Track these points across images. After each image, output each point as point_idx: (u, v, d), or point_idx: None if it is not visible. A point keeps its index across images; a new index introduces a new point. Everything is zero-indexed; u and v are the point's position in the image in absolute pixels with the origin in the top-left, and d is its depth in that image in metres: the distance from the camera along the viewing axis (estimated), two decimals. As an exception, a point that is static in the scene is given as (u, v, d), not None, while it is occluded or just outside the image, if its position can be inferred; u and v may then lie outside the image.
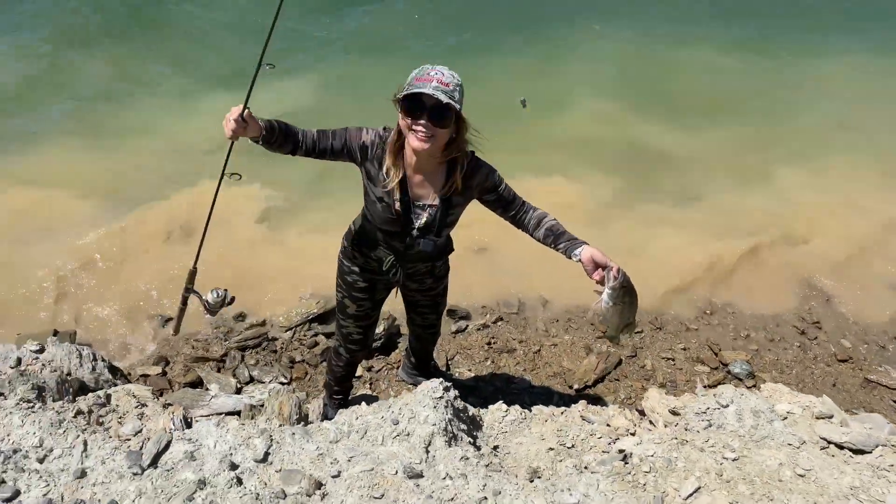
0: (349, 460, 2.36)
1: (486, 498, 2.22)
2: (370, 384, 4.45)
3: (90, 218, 6.09)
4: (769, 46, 10.63)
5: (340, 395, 3.82)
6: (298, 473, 2.28)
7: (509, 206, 2.77)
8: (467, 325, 5.04)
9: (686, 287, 5.61)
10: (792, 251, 6.09)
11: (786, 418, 2.83)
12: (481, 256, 5.72)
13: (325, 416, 3.73)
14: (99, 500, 2.18)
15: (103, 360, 3.87)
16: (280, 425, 2.65)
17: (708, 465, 2.41)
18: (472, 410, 2.97)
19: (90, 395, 3.14)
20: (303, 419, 3.17)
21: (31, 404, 2.72)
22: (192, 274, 2.88)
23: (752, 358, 4.91)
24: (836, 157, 7.69)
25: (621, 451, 2.60)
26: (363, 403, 2.84)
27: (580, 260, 2.55)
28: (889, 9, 12.19)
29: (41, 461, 2.33)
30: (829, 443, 2.70)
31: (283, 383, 4.36)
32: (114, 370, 3.96)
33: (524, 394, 4.42)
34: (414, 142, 2.45)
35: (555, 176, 6.97)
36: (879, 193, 7.03)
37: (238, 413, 3.50)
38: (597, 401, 4.23)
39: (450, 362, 4.71)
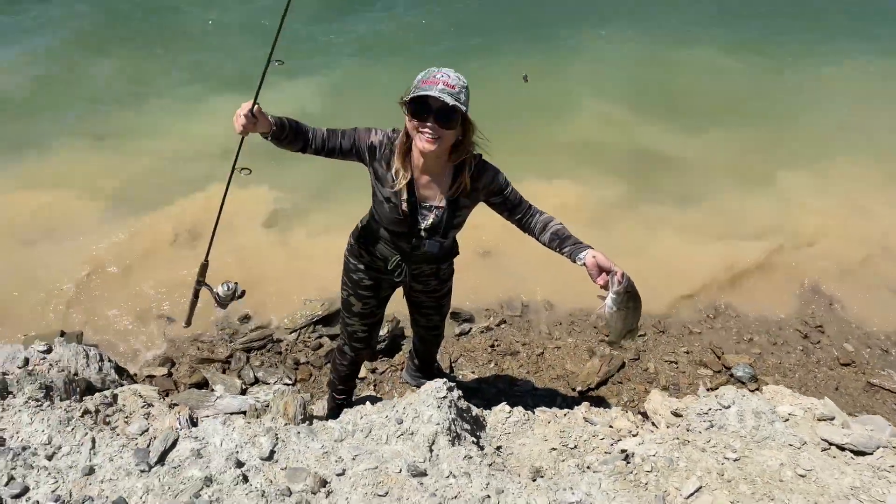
0: (354, 459, 2.39)
1: (489, 496, 2.24)
2: (374, 386, 4.48)
3: (98, 220, 6.15)
4: (772, 49, 10.65)
5: (343, 394, 3.85)
6: (304, 471, 2.30)
7: (515, 210, 2.79)
8: (471, 328, 5.06)
9: (689, 290, 5.62)
10: (795, 254, 6.10)
11: (787, 420, 2.84)
12: (485, 259, 5.74)
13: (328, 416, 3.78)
14: (107, 497, 2.20)
15: (110, 360, 3.90)
16: (285, 424, 2.68)
17: (709, 465, 2.43)
18: (475, 411, 3.00)
19: (97, 394, 3.17)
20: (307, 419, 3.20)
21: (40, 403, 2.75)
22: (204, 267, 2.93)
23: (755, 361, 4.92)
24: (840, 160, 7.70)
25: (623, 450, 2.62)
26: (367, 403, 2.87)
27: (584, 264, 2.58)
28: (892, 10, 12.20)
29: (50, 458, 2.36)
30: (831, 444, 2.71)
31: (287, 384, 4.39)
32: (120, 371, 3.99)
33: (527, 396, 4.44)
34: (421, 143, 2.48)
35: (559, 178, 7.00)
36: (883, 196, 7.04)
37: (243, 413, 3.52)
38: (600, 403, 4.25)
39: (453, 364, 4.74)
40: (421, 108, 2.43)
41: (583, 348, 4.94)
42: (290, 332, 4.90)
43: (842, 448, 2.69)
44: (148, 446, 2.45)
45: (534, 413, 3.40)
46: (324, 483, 2.27)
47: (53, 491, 2.21)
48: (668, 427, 3.07)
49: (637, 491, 2.35)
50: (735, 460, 2.47)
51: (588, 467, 2.60)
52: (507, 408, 3.34)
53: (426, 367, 4.20)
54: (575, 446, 3.01)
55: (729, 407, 2.80)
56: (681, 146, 7.87)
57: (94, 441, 2.44)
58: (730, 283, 5.74)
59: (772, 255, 6.07)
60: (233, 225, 5.68)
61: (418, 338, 3.92)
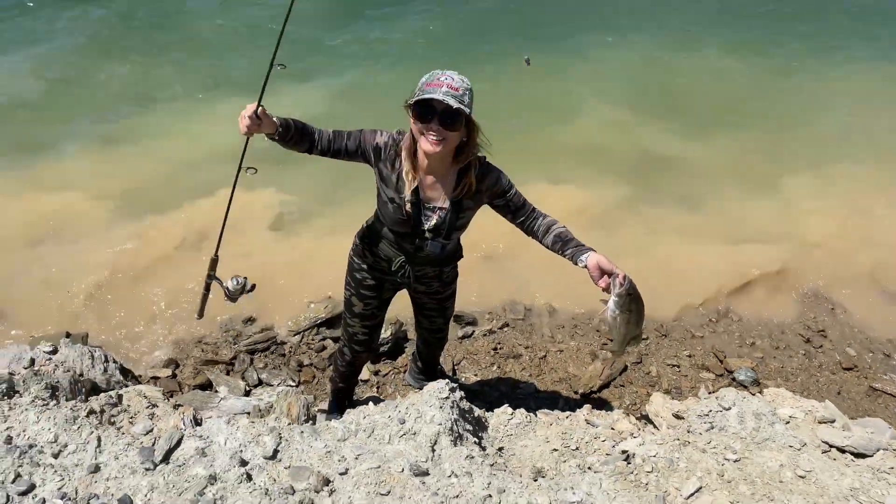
0: (356, 458, 2.41)
1: (490, 496, 2.26)
2: (377, 388, 4.50)
3: (106, 223, 6.21)
4: (775, 51, 10.68)
5: (344, 392, 3.88)
6: (307, 470, 2.32)
7: (518, 212, 2.82)
8: (474, 331, 5.08)
9: (692, 294, 5.64)
10: (797, 258, 6.10)
11: (788, 422, 2.86)
12: (488, 263, 5.76)
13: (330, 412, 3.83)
14: (112, 495, 2.22)
15: (115, 361, 3.92)
16: (289, 424, 2.70)
17: (709, 466, 2.44)
18: (477, 412, 3.01)
19: (102, 395, 3.19)
20: (311, 420, 3.22)
21: (46, 403, 2.78)
22: (214, 262, 2.98)
23: (758, 365, 4.93)
24: (842, 163, 7.71)
25: (624, 451, 2.64)
26: (370, 403, 2.90)
27: (586, 266, 2.60)
28: (893, 11, 12.20)
29: (56, 456, 2.38)
30: (831, 446, 2.72)
31: (291, 386, 4.41)
32: (125, 372, 4.02)
33: (529, 399, 4.45)
34: (425, 145, 2.52)
35: (563, 181, 7.03)
36: (885, 199, 7.04)
37: (247, 414, 3.55)
38: (602, 406, 4.27)
39: (456, 367, 4.76)
40: (425, 110, 2.46)
41: (585, 351, 4.95)
42: (294, 335, 4.93)
43: (842, 450, 2.71)
44: (153, 445, 2.47)
45: (536, 415, 3.42)
46: (327, 482, 2.29)
47: (59, 488, 2.24)
48: (669, 429, 3.08)
49: (637, 491, 2.37)
50: (735, 461, 2.49)
51: (589, 468, 2.61)
52: (510, 410, 3.35)
53: (429, 370, 4.21)
54: (576, 448, 3.02)
55: (729, 409, 2.82)
56: (684, 149, 7.89)
57: (99, 440, 2.47)
58: (732, 286, 5.75)
59: (774, 259, 6.07)
60: (238, 227, 5.71)
61: (422, 340, 3.94)
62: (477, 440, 2.76)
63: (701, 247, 6.18)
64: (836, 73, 9.99)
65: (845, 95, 9.34)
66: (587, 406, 3.62)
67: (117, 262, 5.65)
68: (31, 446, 2.39)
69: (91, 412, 2.83)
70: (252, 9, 10.96)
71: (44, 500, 2.18)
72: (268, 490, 2.22)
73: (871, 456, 2.67)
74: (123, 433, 2.67)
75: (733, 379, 4.76)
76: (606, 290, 2.55)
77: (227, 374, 4.57)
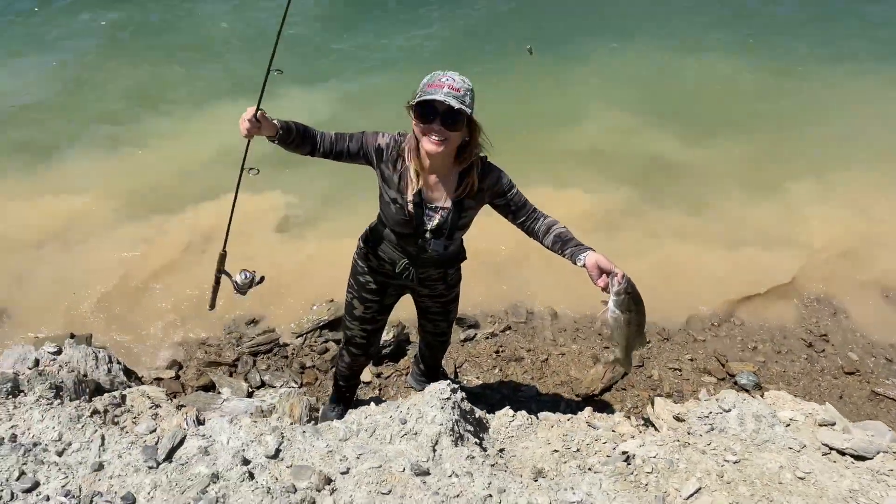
0: (358, 457, 2.42)
1: (490, 495, 2.28)
2: (379, 390, 4.52)
3: (112, 226, 6.26)
4: (782, 58, 10.66)
5: (345, 390, 3.90)
6: (308, 469, 2.34)
7: (519, 212, 2.83)
8: (476, 334, 5.10)
9: (694, 298, 5.64)
10: (800, 263, 6.10)
11: (789, 425, 2.87)
12: (491, 266, 5.78)
13: (330, 409, 3.86)
14: (115, 493, 2.24)
15: (118, 362, 3.94)
16: (291, 423, 2.72)
17: (709, 467, 2.45)
18: (478, 413, 3.03)
19: (106, 395, 3.21)
20: (313, 421, 3.24)
21: (50, 402, 2.80)
22: (222, 257, 3.03)
23: (759, 369, 4.94)
24: (847, 169, 7.70)
25: (624, 452, 2.65)
26: (372, 404, 2.91)
27: (584, 265, 2.60)
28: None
29: (60, 454, 2.40)
30: (831, 449, 2.73)
31: (293, 388, 4.43)
32: (128, 373, 4.04)
33: (531, 401, 4.46)
34: (428, 146, 2.54)
35: (568, 185, 7.05)
36: (890, 205, 7.03)
37: (250, 415, 3.56)
38: (603, 408, 4.28)
39: (458, 370, 4.77)
40: (427, 111, 2.49)
41: (587, 355, 4.97)
42: (297, 337, 4.95)
43: (842, 453, 2.71)
44: (156, 444, 2.49)
45: (537, 417, 3.43)
46: (328, 481, 2.30)
47: (63, 486, 2.25)
48: (669, 430, 3.09)
49: (637, 491, 2.38)
50: (735, 462, 2.50)
51: (589, 468, 2.62)
52: (511, 412, 3.36)
53: (431, 373, 4.23)
54: (577, 449, 3.03)
55: (730, 410, 2.83)
56: (688, 153, 7.91)
57: (103, 438, 2.49)
58: (735, 290, 5.75)
59: (777, 263, 6.08)
60: (243, 230, 5.74)
61: (425, 343, 3.95)
62: (478, 441, 2.77)
63: (704, 251, 6.19)
64: (841, 78, 9.99)
65: (850, 99, 9.34)
66: (588, 409, 3.63)
67: (123, 264, 5.69)
68: (35, 444, 2.41)
69: (95, 412, 2.85)
70: (260, 13, 11.04)
71: (48, 498, 2.20)
72: (270, 489, 2.23)
73: (871, 458, 2.67)
74: (127, 432, 2.68)
75: (735, 383, 4.76)
76: (605, 289, 2.54)
77: (230, 375, 4.59)
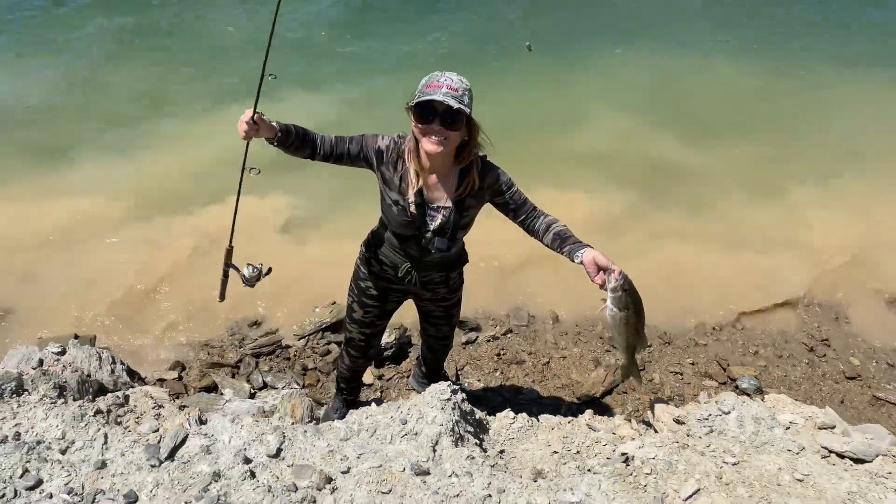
0: (358, 457, 2.44)
1: (490, 495, 2.29)
2: (381, 392, 4.53)
3: (118, 229, 6.28)
4: (785, 61, 10.69)
5: (348, 391, 3.92)
6: (309, 468, 2.35)
7: (519, 210, 2.85)
8: (477, 337, 5.11)
9: (696, 302, 5.66)
10: (802, 267, 6.11)
11: (788, 428, 2.87)
12: (493, 269, 5.80)
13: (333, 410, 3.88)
14: (118, 491, 2.26)
15: (122, 363, 3.97)
16: (292, 423, 2.74)
17: (708, 469, 2.46)
18: (478, 414, 3.04)
19: (109, 395, 3.23)
20: (314, 421, 3.25)
21: (54, 401, 2.83)
22: (229, 252, 3.07)
23: (761, 374, 4.94)
24: (851, 174, 7.72)
25: (623, 453, 2.66)
26: (373, 404, 2.93)
27: (582, 262, 2.60)
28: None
29: (63, 452, 2.42)
30: (831, 452, 2.74)
31: (295, 388, 4.45)
32: (132, 373, 4.06)
33: (532, 404, 4.47)
34: (428, 146, 2.56)
35: (571, 189, 7.08)
36: (893, 210, 7.03)
37: (252, 415, 3.58)
38: (604, 412, 4.28)
39: (459, 372, 4.79)
40: (426, 111, 2.51)
41: (588, 358, 4.98)
42: (299, 339, 4.98)
43: (841, 456, 2.72)
44: (158, 443, 2.51)
45: (538, 420, 3.43)
46: (329, 480, 2.32)
47: (66, 484, 2.27)
48: (669, 432, 3.10)
49: (636, 492, 2.39)
50: (734, 464, 2.51)
51: (589, 469, 2.63)
52: (512, 414, 3.37)
53: (433, 375, 4.23)
54: (577, 451, 3.04)
55: (729, 413, 2.84)
56: (691, 157, 7.95)
57: (106, 437, 2.51)
58: (737, 294, 5.77)
59: (779, 268, 6.10)
60: (247, 232, 5.78)
61: (427, 347, 3.97)
62: (478, 442, 2.79)
63: (706, 254, 6.21)
64: (844, 81, 10.01)
65: (853, 103, 9.37)
66: (589, 411, 3.63)
67: (128, 265, 5.73)
68: (38, 442, 2.43)
69: (98, 412, 2.87)
70: (266, 18, 11.08)
71: (51, 496, 2.22)
72: (271, 487, 2.25)
73: (871, 462, 2.68)
74: (130, 432, 2.71)
75: (736, 387, 4.77)
76: (603, 286, 2.55)
77: (233, 376, 4.62)
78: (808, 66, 10.57)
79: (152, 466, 2.36)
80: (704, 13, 12.78)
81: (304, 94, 8.81)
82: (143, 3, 12.21)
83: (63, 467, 2.34)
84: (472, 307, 5.30)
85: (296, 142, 2.71)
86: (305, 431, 2.57)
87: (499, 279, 5.72)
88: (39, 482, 2.26)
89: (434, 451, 2.49)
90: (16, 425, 2.54)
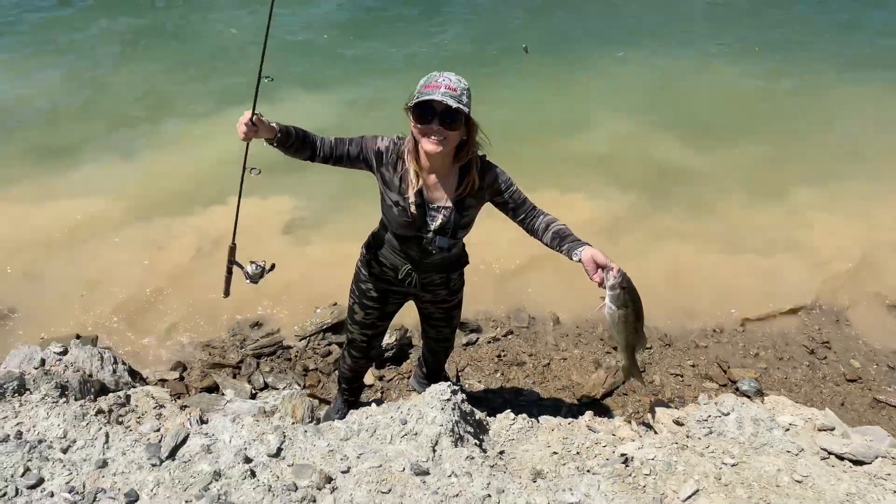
0: (358, 457, 2.45)
1: (489, 495, 2.30)
2: (381, 393, 4.54)
3: (121, 230, 6.31)
4: (787, 67, 10.69)
5: (349, 392, 3.93)
6: (309, 468, 2.36)
7: (519, 209, 2.86)
8: (478, 338, 5.12)
9: (697, 303, 5.66)
10: (804, 270, 6.11)
11: (788, 429, 2.88)
12: (493, 271, 5.81)
13: (334, 411, 3.90)
14: (119, 489, 2.27)
15: (123, 363, 3.98)
16: (293, 423, 2.75)
17: (707, 470, 2.47)
18: (478, 414, 3.05)
19: (111, 395, 3.25)
20: (315, 421, 3.26)
21: (56, 400, 2.84)
22: (232, 249, 3.11)
23: (761, 376, 4.94)
24: (853, 176, 7.71)
25: (623, 454, 2.67)
26: (373, 404, 2.94)
27: (580, 260, 2.61)
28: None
29: (65, 451, 2.43)
30: (830, 453, 2.74)
31: (296, 389, 4.46)
32: (133, 373, 4.08)
33: (532, 406, 4.48)
34: (427, 146, 2.57)
35: (574, 190, 7.09)
36: (894, 213, 7.03)
37: (252, 416, 3.59)
38: (604, 413, 4.29)
39: (460, 374, 4.79)
40: (425, 111, 2.53)
41: (589, 360, 4.98)
42: (300, 339, 4.99)
43: (841, 457, 2.72)
44: (159, 442, 2.52)
45: (538, 421, 3.44)
46: (329, 479, 2.33)
47: (67, 482, 2.28)
48: (668, 433, 3.11)
49: (635, 493, 2.40)
50: (733, 465, 2.51)
51: (588, 470, 2.64)
52: (512, 415, 3.38)
53: (434, 377, 4.24)
54: (577, 452, 3.05)
55: (728, 414, 2.85)
56: (693, 160, 7.96)
57: (107, 436, 2.52)
58: (737, 296, 5.77)
59: (780, 270, 6.10)
60: (250, 233, 5.78)
61: (428, 348, 3.97)
62: (478, 442, 2.80)
63: (707, 256, 6.22)
64: (847, 84, 10.01)
65: (856, 106, 9.36)
66: (589, 413, 3.63)
67: (129, 266, 5.75)
68: (40, 441, 2.44)
69: (99, 411, 2.89)
70: (264, 20, 11.13)
71: (52, 494, 2.23)
72: (271, 486, 2.26)
73: (870, 463, 2.68)
74: (131, 431, 2.72)
75: (737, 389, 4.77)
76: (602, 284, 2.55)
77: (234, 377, 4.63)
78: (809, 67, 10.58)
79: (153, 465, 2.37)
80: (705, 15, 12.80)
81: (306, 95, 8.84)
82: (146, 5, 12.28)
83: (64, 466, 2.35)
84: (472, 309, 5.31)
85: (295, 143, 2.72)
86: (306, 431, 2.58)
87: (499, 281, 5.73)
88: (41, 481, 2.27)
89: (434, 451, 2.50)
90: (17, 424, 2.55)
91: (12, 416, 2.60)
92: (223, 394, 4.35)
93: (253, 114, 2.62)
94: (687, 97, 9.72)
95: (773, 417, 2.83)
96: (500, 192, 2.83)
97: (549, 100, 9.48)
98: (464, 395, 2.92)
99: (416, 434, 2.58)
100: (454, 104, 2.46)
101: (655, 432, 3.29)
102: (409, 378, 4.60)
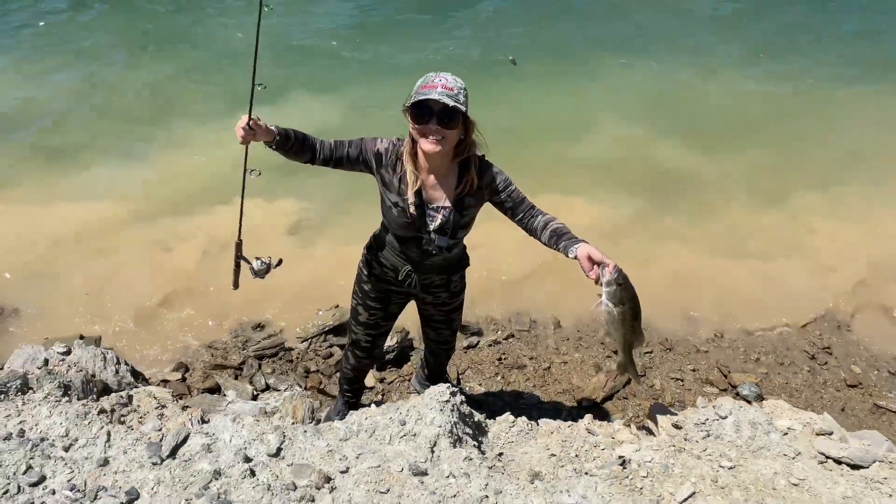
0: (357, 457, 2.47)
1: (487, 496, 2.31)
2: (382, 395, 4.56)
3: (125, 231, 6.35)
4: (792, 72, 10.69)
5: (351, 393, 3.95)
6: (308, 468, 2.38)
7: (517, 209, 2.87)
8: (479, 341, 5.13)
9: (698, 308, 5.67)
10: (805, 275, 6.12)
11: (786, 433, 2.89)
12: (495, 274, 5.82)
13: (335, 412, 3.91)
14: (120, 488, 2.29)
15: (126, 363, 4.01)
16: (293, 423, 2.77)
17: (704, 472, 2.48)
18: (477, 416, 3.06)
19: (113, 395, 3.28)
20: (315, 422, 3.28)
21: (58, 399, 2.87)
22: (238, 245, 3.13)
23: (762, 381, 4.95)
24: (857, 182, 7.70)
25: (620, 456, 2.68)
26: (372, 405, 2.96)
27: (576, 257, 2.61)
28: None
29: (66, 449, 2.45)
30: (827, 457, 2.75)
31: (297, 391, 4.48)
32: (136, 374, 4.10)
33: (533, 409, 4.49)
34: (426, 146, 2.60)
35: (577, 195, 7.11)
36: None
37: (253, 416, 3.61)
38: (604, 417, 4.30)
39: (461, 376, 4.81)
40: (423, 111, 2.56)
41: (589, 363, 4.99)
42: (302, 341, 5.01)
43: (838, 461, 2.73)
44: (160, 441, 2.54)
45: (537, 424, 3.45)
46: (328, 479, 2.34)
47: (69, 480, 2.30)
48: (666, 436, 3.12)
49: (632, 495, 2.41)
50: (730, 468, 2.53)
51: (586, 472, 2.65)
52: (511, 417, 3.39)
53: (436, 378, 4.25)
54: (576, 455, 3.06)
55: (726, 417, 2.86)
56: (696, 165, 7.96)
57: (109, 434, 2.54)
58: (739, 301, 5.77)
59: (782, 276, 6.10)
60: (252, 235, 5.82)
61: (429, 350, 3.99)
62: (476, 444, 2.81)
63: (709, 261, 6.22)
64: (850, 88, 10.01)
65: (860, 113, 9.35)
66: (589, 416, 3.64)
67: (134, 267, 5.78)
68: (42, 439, 2.47)
69: (102, 411, 2.91)
70: (277, 24, 11.20)
71: (54, 492, 2.25)
72: (270, 486, 2.28)
73: (867, 468, 2.69)
74: (132, 430, 2.74)
75: (737, 394, 4.77)
76: (598, 281, 2.54)
77: (236, 378, 4.65)
78: (813, 72, 10.58)
79: (154, 464, 2.39)
80: (709, 21, 12.80)
81: (311, 98, 8.87)
82: (157, 10, 12.33)
83: (66, 464, 2.37)
84: (473, 312, 5.33)
85: (295, 146, 2.76)
86: (305, 431, 2.60)
87: (500, 284, 5.74)
88: (43, 478, 2.30)
89: (432, 451, 2.52)
90: (20, 423, 2.58)
91: (15, 414, 2.63)
92: (225, 395, 4.37)
93: (249, 118, 2.65)
94: (689, 101, 9.73)
95: (770, 421, 2.84)
96: (499, 192, 2.85)
97: (553, 104, 9.51)
98: (463, 397, 2.94)
99: (414, 435, 2.60)
100: (451, 103, 2.49)
101: (654, 435, 3.30)
102: (409, 380, 4.62)
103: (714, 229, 6.80)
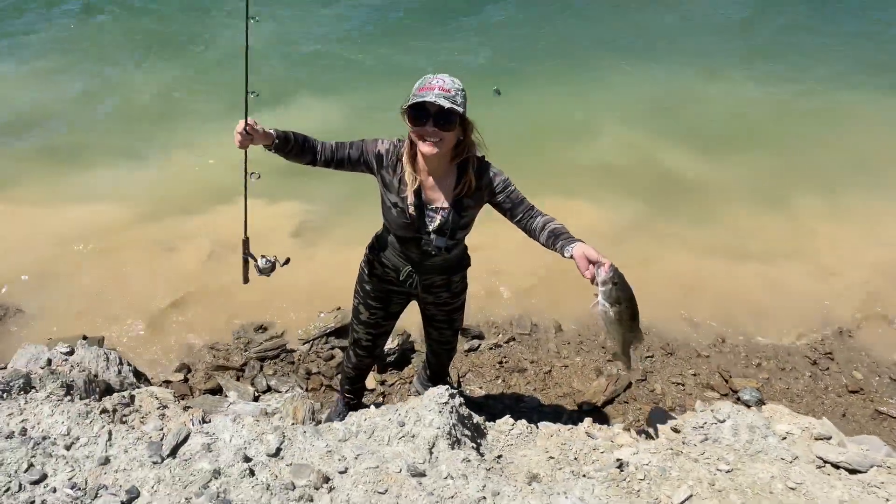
0: (356, 458, 2.48)
1: (484, 497, 2.32)
2: (383, 397, 4.57)
3: (128, 232, 6.38)
4: (795, 76, 10.69)
5: (351, 394, 3.97)
6: (307, 468, 2.40)
7: (516, 210, 2.87)
8: (480, 344, 5.14)
9: (699, 313, 5.67)
10: (807, 280, 6.11)
11: (785, 438, 2.89)
12: (496, 277, 5.83)
13: (336, 414, 3.93)
14: (120, 486, 2.31)
15: (129, 364, 4.03)
16: (293, 424, 2.78)
17: (701, 475, 2.49)
18: (476, 418, 3.07)
19: (115, 394, 3.29)
20: (315, 423, 3.29)
21: (60, 399, 2.89)
22: (245, 242, 3.17)
23: (763, 386, 4.95)
24: (860, 187, 7.69)
25: (618, 459, 2.69)
26: (372, 406, 2.98)
27: (572, 255, 2.59)
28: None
29: (68, 448, 2.47)
30: (825, 462, 2.75)
31: (298, 392, 4.49)
32: (138, 374, 4.13)
33: (533, 412, 4.49)
34: (424, 147, 2.62)
35: (579, 198, 7.12)
36: (898, 225, 7.05)
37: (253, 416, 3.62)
38: (605, 420, 4.31)
39: (461, 379, 4.82)
40: (420, 113, 2.58)
41: (590, 367, 5.00)
42: (304, 343, 5.02)
43: (836, 466, 2.74)
44: (161, 440, 2.56)
45: (537, 427, 3.46)
46: (326, 479, 2.36)
47: (70, 479, 2.32)
48: (664, 439, 3.13)
49: (629, 497, 2.42)
50: (727, 471, 2.53)
51: (584, 475, 2.66)
52: (511, 420, 3.40)
53: (438, 379, 4.26)
54: (575, 458, 3.07)
55: (724, 421, 2.86)
56: (698, 169, 7.97)
57: (110, 434, 2.56)
58: (741, 306, 5.77)
59: (784, 281, 6.10)
60: (258, 238, 5.85)
61: (431, 351, 4.00)
62: (475, 446, 2.82)
63: (711, 265, 6.22)
64: (854, 92, 10.01)
65: (863, 115, 9.35)
66: (588, 419, 3.66)
67: (137, 269, 5.80)
68: (44, 438, 2.49)
69: (104, 410, 2.93)
70: (279, 26, 11.26)
71: (55, 490, 2.27)
72: (269, 485, 2.30)
73: (865, 472, 2.69)
74: (134, 430, 2.76)
75: (738, 399, 4.77)
76: (594, 281, 2.53)
77: (237, 379, 4.67)
78: (816, 76, 10.59)
79: (154, 463, 2.41)
80: (710, 23, 12.82)
81: (316, 102, 8.90)
82: (164, 13, 12.39)
83: (67, 463, 2.39)
84: (475, 315, 5.34)
85: (295, 148, 2.78)
86: (305, 432, 2.62)
87: (502, 287, 5.75)
88: (44, 476, 2.31)
89: (430, 453, 2.54)
90: (22, 421, 2.60)
91: (17, 413, 2.65)
92: (226, 396, 4.39)
93: (245, 122, 2.68)
94: (691, 103, 9.75)
95: (768, 425, 2.85)
96: (498, 193, 2.85)
97: (554, 106, 9.54)
98: (462, 399, 2.95)
99: (413, 436, 2.61)
100: (447, 105, 2.51)
101: (653, 439, 3.31)
102: (410, 383, 4.63)
103: (716, 232, 6.80)
